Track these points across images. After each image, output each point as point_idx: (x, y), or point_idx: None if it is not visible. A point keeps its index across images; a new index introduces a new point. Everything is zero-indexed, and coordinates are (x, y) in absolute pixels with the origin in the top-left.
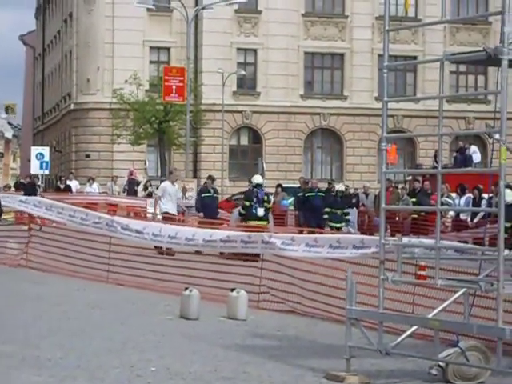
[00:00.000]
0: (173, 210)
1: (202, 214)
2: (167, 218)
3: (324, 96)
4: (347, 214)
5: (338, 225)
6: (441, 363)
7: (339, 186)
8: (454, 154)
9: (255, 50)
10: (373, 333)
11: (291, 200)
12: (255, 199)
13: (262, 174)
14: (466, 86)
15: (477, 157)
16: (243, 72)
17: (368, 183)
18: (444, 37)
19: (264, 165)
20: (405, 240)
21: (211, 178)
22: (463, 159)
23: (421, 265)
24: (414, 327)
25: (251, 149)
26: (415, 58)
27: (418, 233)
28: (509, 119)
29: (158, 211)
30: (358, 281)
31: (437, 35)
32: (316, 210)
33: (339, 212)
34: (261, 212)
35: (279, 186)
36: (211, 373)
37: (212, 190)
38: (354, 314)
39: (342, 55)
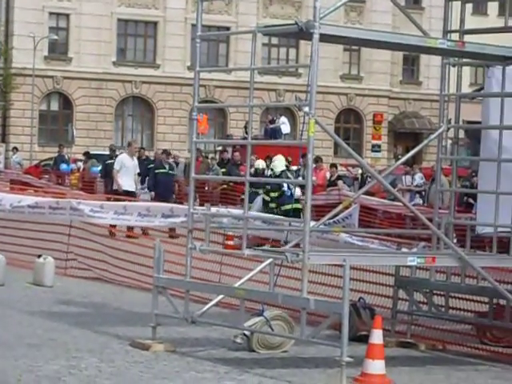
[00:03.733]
0: (131, 187)
1: (153, 194)
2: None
3: (136, 64)
4: None
5: None
6: (246, 332)
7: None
8: (264, 126)
9: (68, 15)
10: (180, 301)
11: (100, 167)
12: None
13: (72, 141)
14: (278, 59)
15: (286, 128)
16: (55, 37)
17: (178, 152)
18: (257, 9)
19: (74, 131)
20: (213, 210)
21: (166, 153)
22: (273, 131)
23: (228, 235)
24: (220, 296)
25: (61, 114)
26: (228, 28)
27: (227, 203)
28: (318, 93)
29: (116, 187)
30: (165, 249)
31: (250, 7)
32: None
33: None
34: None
35: (86, 153)
36: (16, 339)
37: (167, 166)
38: (161, 282)
39: (155, 23)
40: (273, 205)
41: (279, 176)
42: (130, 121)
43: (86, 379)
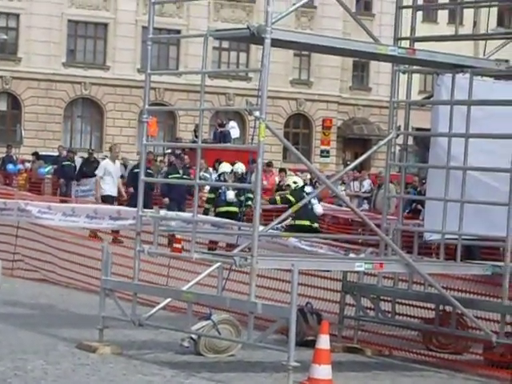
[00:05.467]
0: (113, 192)
1: (167, 200)
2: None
3: (86, 65)
4: None
5: None
6: (193, 335)
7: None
8: (214, 130)
9: (18, 15)
10: (127, 304)
11: (49, 168)
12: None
13: (21, 141)
14: (228, 63)
15: (235, 132)
16: (4, 36)
17: (127, 154)
18: (208, 12)
19: (23, 132)
20: (162, 213)
21: (180, 158)
22: (222, 135)
23: (176, 238)
24: (168, 299)
25: (10, 115)
26: (179, 31)
27: None
28: (268, 97)
29: (98, 194)
30: (113, 251)
31: (201, 10)
32: None
33: None
34: (231, 195)
35: (35, 153)
36: None
37: (181, 171)
38: (109, 284)
39: (105, 25)
40: (208, 206)
41: (218, 178)
42: (79, 122)
43: (32, 381)
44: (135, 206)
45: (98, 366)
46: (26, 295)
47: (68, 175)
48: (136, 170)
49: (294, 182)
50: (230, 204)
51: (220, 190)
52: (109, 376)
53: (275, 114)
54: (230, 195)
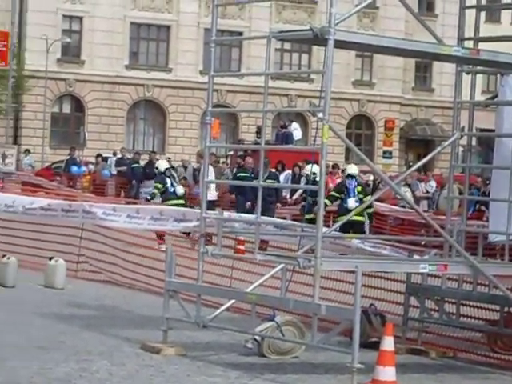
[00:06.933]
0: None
1: (240, 198)
2: None
3: (149, 67)
4: None
5: None
6: (256, 337)
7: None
8: (276, 131)
9: (81, 18)
10: (191, 305)
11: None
12: (346, 191)
13: (84, 143)
14: (290, 64)
15: (298, 134)
16: (68, 39)
17: (188, 156)
18: (270, 14)
19: (86, 134)
20: (225, 214)
21: (248, 156)
22: (284, 136)
23: (239, 239)
24: (232, 301)
25: (73, 117)
26: (241, 33)
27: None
28: (331, 98)
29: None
30: (177, 253)
31: (263, 12)
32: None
33: None
34: (352, 204)
35: (99, 155)
36: (26, 341)
37: (250, 171)
38: (173, 286)
39: (168, 27)
40: (155, 193)
41: (163, 173)
42: (142, 124)
43: (97, 382)
44: (242, 211)
45: (162, 367)
46: (91, 296)
47: (137, 177)
48: (240, 175)
49: (313, 173)
50: (180, 197)
51: (167, 185)
52: (173, 377)
53: (337, 115)
54: (180, 190)
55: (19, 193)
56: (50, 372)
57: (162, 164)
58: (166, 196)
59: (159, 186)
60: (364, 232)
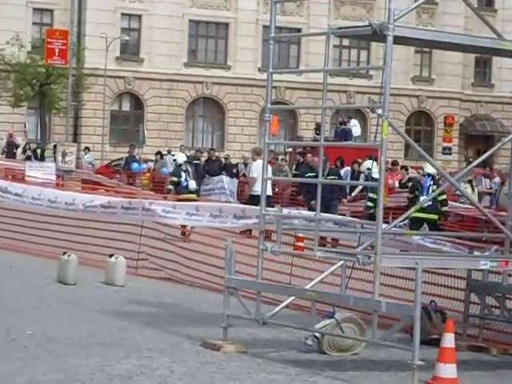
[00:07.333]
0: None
1: (314, 202)
2: None
3: (207, 65)
4: None
5: None
6: (316, 334)
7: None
8: (335, 128)
9: (140, 16)
10: (250, 302)
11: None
12: (420, 188)
13: (143, 141)
14: (349, 60)
15: (357, 130)
16: (127, 37)
17: (248, 153)
18: (328, 10)
19: (145, 132)
20: (285, 211)
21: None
22: (343, 132)
23: (299, 236)
24: (291, 298)
25: (133, 115)
26: (299, 30)
27: (297, 204)
28: (390, 95)
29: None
30: (237, 250)
31: (321, 8)
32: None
33: None
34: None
35: (158, 153)
36: (88, 338)
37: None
38: (233, 283)
39: (226, 24)
40: (170, 188)
41: (180, 166)
42: (201, 122)
43: (158, 379)
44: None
45: (223, 364)
46: (151, 294)
47: (198, 174)
48: (309, 174)
49: (368, 169)
50: (192, 192)
51: (181, 179)
52: (233, 374)
53: (397, 112)
54: (192, 185)
55: (79, 191)
56: (111, 369)
57: (180, 156)
58: (179, 189)
59: (175, 179)
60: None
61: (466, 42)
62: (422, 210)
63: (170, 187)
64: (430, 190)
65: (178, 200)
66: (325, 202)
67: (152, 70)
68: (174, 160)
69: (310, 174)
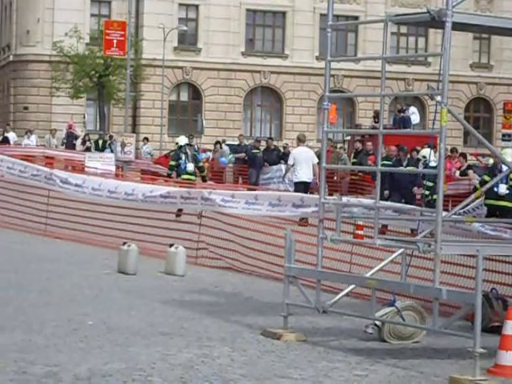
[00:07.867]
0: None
1: (387, 193)
2: None
3: (265, 54)
4: None
5: None
6: (377, 322)
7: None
8: (394, 115)
9: (197, 6)
10: (310, 291)
11: (230, 157)
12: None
13: (202, 131)
14: (407, 48)
15: (415, 118)
16: (184, 28)
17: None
18: None
19: (203, 121)
20: (344, 200)
21: (402, 149)
22: (402, 120)
23: (358, 224)
24: (352, 286)
25: (191, 105)
26: (356, 18)
27: (355, 193)
28: (449, 82)
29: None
30: (296, 239)
31: None
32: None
33: None
34: (502, 190)
35: (218, 142)
36: (148, 328)
37: (393, 159)
38: (293, 271)
39: (283, 13)
40: (170, 172)
41: (180, 148)
42: (259, 111)
43: (219, 368)
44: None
45: (283, 352)
46: (211, 283)
47: (258, 163)
48: (384, 162)
49: (424, 156)
50: (189, 173)
51: (180, 161)
52: (294, 363)
53: (455, 99)
54: (190, 167)
55: (139, 181)
56: (172, 358)
57: (182, 140)
58: (179, 171)
59: (173, 163)
60: None
61: None
62: (500, 198)
63: (170, 172)
64: (509, 179)
65: (179, 184)
66: (404, 192)
67: (210, 60)
68: (176, 143)
69: (385, 163)
